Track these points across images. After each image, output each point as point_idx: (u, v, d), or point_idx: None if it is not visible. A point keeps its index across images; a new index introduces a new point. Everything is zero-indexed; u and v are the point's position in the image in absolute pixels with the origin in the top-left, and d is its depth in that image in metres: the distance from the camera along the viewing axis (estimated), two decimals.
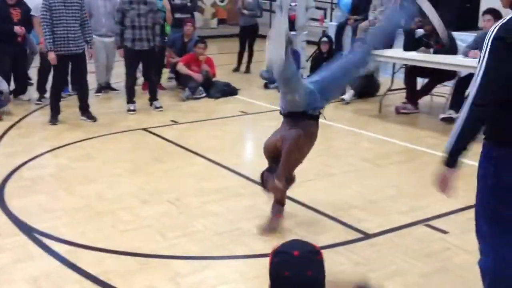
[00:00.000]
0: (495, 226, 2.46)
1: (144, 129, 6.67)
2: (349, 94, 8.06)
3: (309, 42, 10.83)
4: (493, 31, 2.26)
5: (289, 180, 3.97)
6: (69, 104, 7.38)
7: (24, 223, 4.10)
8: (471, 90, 2.32)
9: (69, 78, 7.69)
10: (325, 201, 4.51)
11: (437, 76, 7.27)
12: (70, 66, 6.95)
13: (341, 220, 4.18)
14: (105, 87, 8.55)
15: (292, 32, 9.81)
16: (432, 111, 7.52)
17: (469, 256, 3.61)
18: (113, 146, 6.07)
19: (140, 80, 8.15)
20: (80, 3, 6.73)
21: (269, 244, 3.45)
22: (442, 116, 6.91)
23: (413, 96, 7.52)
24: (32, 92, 8.08)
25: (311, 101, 3.86)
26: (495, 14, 6.61)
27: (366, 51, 4.21)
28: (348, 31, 10.34)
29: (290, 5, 9.93)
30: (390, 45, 9.23)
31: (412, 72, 7.45)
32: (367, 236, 3.93)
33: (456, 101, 6.87)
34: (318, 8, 14.03)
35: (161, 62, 8.66)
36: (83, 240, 3.82)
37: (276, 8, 10.92)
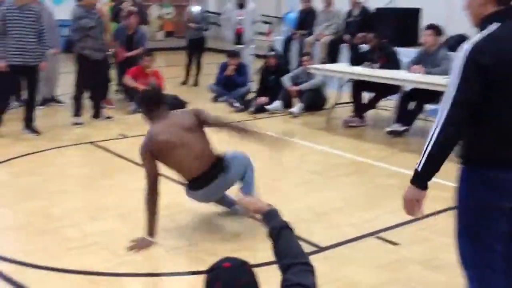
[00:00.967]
0: (478, 247, 2.42)
1: (91, 143, 6.52)
2: (297, 107, 8.14)
3: (257, 56, 10.92)
4: (466, 52, 2.29)
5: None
6: (11, 118, 7.13)
7: None
8: (443, 110, 2.32)
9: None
10: None
11: (382, 90, 7.44)
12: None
13: None
14: (50, 100, 8.33)
15: (240, 46, 9.89)
16: (378, 124, 7.68)
17: (419, 267, 3.68)
18: (58, 161, 5.90)
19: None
20: (37, 15, 6.56)
21: None
22: (388, 129, 7.07)
23: (359, 109, 7.67)
24: None
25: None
26: (436, 30, 6.87)
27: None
28: (294, 45, 10.49)
29: (237, 19, 10.00)
30: (334, 59, 9.46)
31: (358, 86, 7.60)
32: (320, 249, 3.94)
33: (403, 115, 7.06)
34: (265, 22, 14.22)
35: (106, 76, 8.49)
36: (29, 259, 3.68)
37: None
